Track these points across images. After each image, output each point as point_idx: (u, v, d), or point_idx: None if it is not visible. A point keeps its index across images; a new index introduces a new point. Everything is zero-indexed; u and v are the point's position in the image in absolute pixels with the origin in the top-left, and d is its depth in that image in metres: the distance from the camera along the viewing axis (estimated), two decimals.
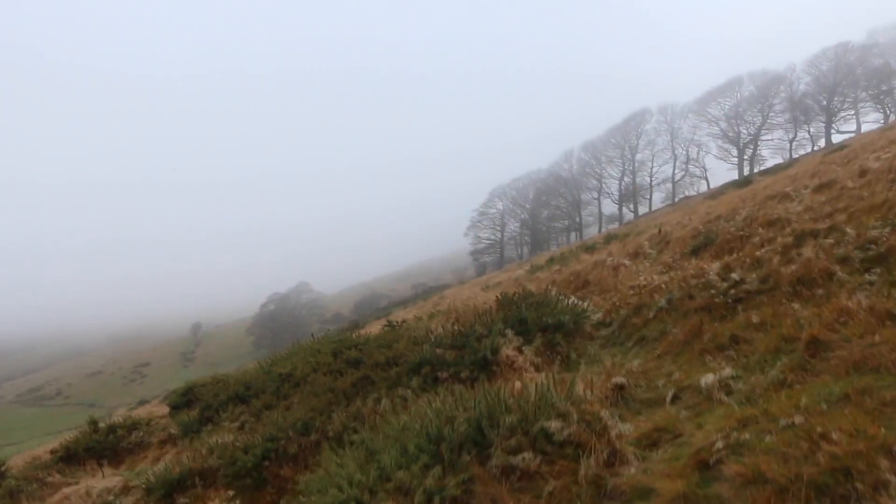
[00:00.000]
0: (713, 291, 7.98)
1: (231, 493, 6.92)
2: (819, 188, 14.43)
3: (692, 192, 71.34)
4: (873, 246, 7.55)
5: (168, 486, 7.76)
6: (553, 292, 9.56)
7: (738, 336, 6.54)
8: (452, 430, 4.61)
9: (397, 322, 15.90)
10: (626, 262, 15.38)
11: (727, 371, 5.49)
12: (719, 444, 4.06)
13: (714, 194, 42.82)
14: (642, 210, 76.36)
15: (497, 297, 9.56)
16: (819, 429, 3.79)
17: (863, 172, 13.39)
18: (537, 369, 7.17)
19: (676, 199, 70.16)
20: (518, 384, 5.53)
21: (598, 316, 8.99)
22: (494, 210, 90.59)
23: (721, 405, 5.03)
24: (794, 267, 7.66)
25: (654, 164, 76.66)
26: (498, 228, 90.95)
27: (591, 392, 5.43)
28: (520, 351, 7.42)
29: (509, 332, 7.82)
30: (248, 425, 9.53)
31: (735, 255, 10.24)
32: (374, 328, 30.27)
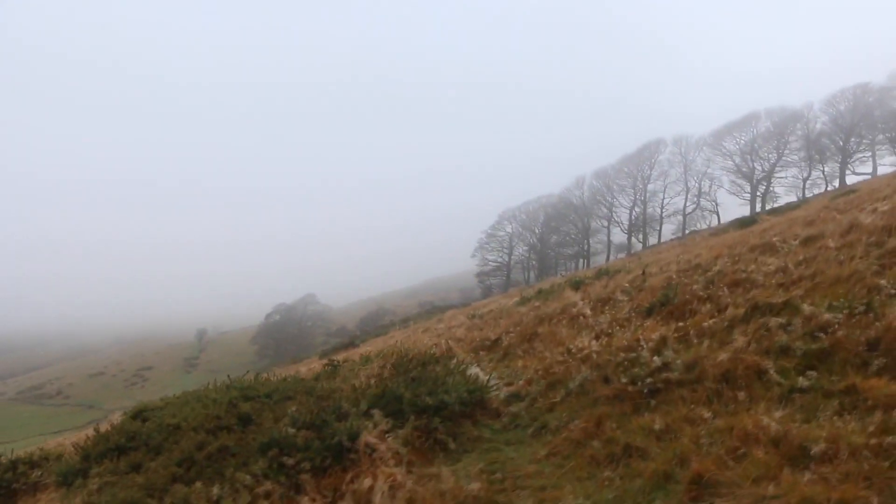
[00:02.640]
0: (629, 378, 6.70)
1: None
2: (805, 241, 13.23)
3: (702, 226, 69.58)
4: (822, 335, 6.28)
5: None
6: (454, 361, 8.28)
7: (633, 446, 5.28)
8: None
9: (339, 361, 14.68)
10: (588, 311, 14.03)
11: None
12: None
13: (718, 231, 41.28)
14: (652, 241, 74.60)
15: (391, 363, 8.32)
16: None
17: (849, 229, 12.13)
18: (400, 462, 5.92)
19: (686, 232, 68.39)
20: None
21: (502, 392, 7.70)
22: (503, 233, 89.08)
23: None
24: (722, 357, 6.36)
25: (666, 196, 75.04)
26: (506, 251, 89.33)
27: None
28: (384, 437, 6.16)
29: (376, 413, 6.56)
30: (106, 488, 8.38)
31: (685, 322, 8.97)
32: (373, 346, 28.96)
